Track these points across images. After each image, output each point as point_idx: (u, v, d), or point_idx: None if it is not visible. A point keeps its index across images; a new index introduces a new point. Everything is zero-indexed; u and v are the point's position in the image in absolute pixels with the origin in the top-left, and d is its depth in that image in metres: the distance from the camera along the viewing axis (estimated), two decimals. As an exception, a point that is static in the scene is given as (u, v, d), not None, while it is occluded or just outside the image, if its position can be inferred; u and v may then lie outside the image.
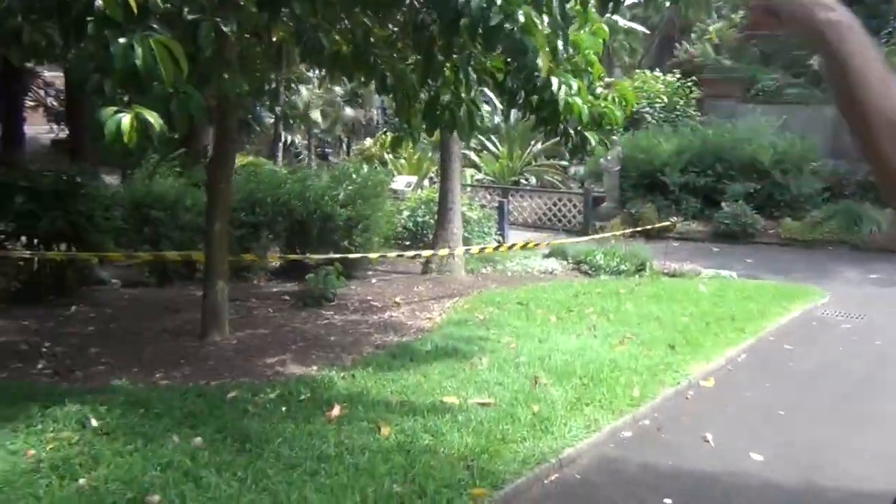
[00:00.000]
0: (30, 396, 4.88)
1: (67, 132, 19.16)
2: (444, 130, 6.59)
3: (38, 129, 23.98)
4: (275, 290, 9.39)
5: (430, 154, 20.92)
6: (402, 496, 3.59)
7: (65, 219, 8.05)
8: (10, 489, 3.55)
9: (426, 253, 10.18)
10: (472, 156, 21.00)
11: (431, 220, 11.79)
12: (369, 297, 8.92)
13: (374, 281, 10.17)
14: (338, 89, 26.84)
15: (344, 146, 31.95)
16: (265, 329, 7.27)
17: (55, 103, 22.83)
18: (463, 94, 6.04)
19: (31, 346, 6.42)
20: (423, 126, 6.41)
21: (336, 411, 4.76)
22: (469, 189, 17.41)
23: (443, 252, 10.19)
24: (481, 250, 10.34)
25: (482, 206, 14.26)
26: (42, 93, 23.09)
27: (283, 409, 4.82)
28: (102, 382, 5.36)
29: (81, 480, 3.66)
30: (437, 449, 4.19)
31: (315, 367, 5.91)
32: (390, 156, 22.05)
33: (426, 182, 19.52)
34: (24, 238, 8.37)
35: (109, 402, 4.77)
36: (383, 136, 24.43)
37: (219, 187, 6.72)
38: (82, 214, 8.27)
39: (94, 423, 4.40)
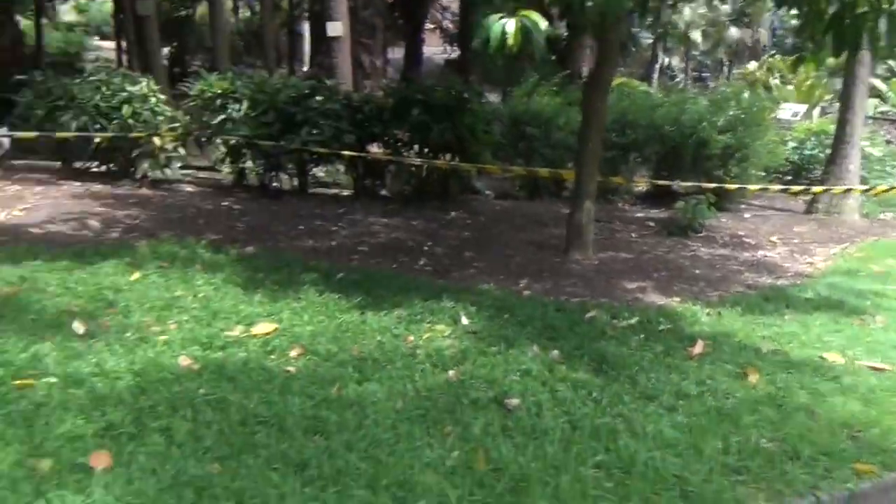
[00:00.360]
0: (412, 288, 5.37)
1: (459, 52, 20.64)
2: (852, 50, 5.63)
3: (434, 49, 26.20)
4: (639, 215, 9.16)
5: (823, 80, 18.54)
6: (770, 453, 3.23)
7: (452, 131, 8.65)
8: (391, 367, 3.93)
9: (816, 189, 9.06)
10: (878, 84, 18.10)
11: (821, 155, 10.46)
12: (741, 233, 8.25)
13: (747, 216, 9.39)
14: (725, 7, 24.90)
15: (724, 70, 29.83)
16: (627, 253, 7.13)
17: (450, 25, 24.67)
18: (884, 6, 5.05)
19: (415, 245, 7.09)
20: (830, 44, 5.54)
21: (698, 348, 4.47)
22: (871, 122, 15.08)
23: (838, 190, 8.98)
24: (886, 191, 8.88)
25: (887, 143, 12.27)
26: (439, 16, 25.08)
27: (642, 336, 4.66)
28: (472, 284, 5.70)
29: (450, 372, 3.92)
30: (815, 410, 3.69)
31: (677, 299, 5.63)
32: (776, 81, 20.02)
33: (816, 112, 17.38)
34: (416, 147, 9.22)
35: (478, 304, 5.06)
36: (770, 60, 22.23)
37: (594, 106, 6.60)
38: (467, 127, 8.81)
39: (464, 321, 4.70)
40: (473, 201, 9.64)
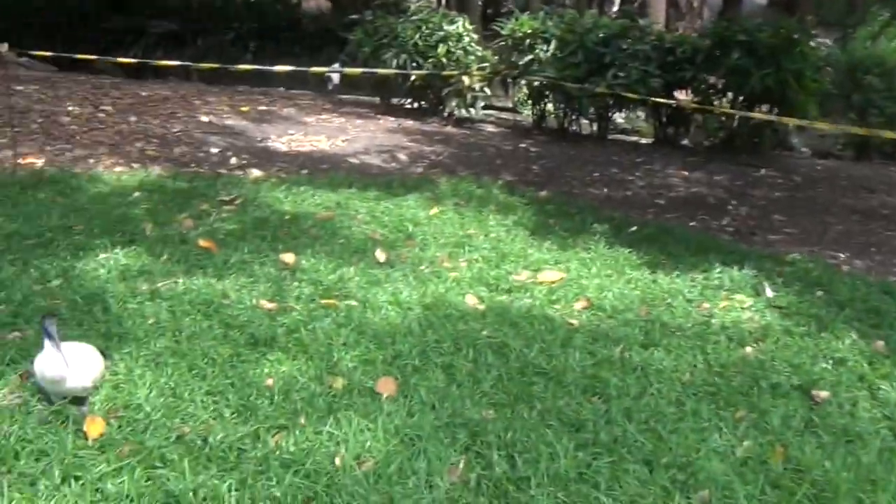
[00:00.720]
0: (711, 250, 4.95)
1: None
2: None
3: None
4: None
5: None
6: None
7: (774, 77, 7.76)
8: (681, 335, 3.64)
9: None
10: None
11: None
12: None
13: None
14: None
15: None
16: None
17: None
18: None
19: (717, 202, 6.56)
20: None
21: None
22: None
23: None
24: None
25: None
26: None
27: None
28: (780, 252, 5.13)
29: (748, 348, 3.54)
30: None
31: None
32: None
33: None
34: (730, 95, 8.46)
35: (786, 275, 4.52)
36: None
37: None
38: (792, 74, 7.85)
39: (768, 293, 4.22)
40: (787, 158, 8.70)
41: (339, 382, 2.89)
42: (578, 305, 3.90)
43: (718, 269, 4.52)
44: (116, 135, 6.83)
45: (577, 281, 4.20)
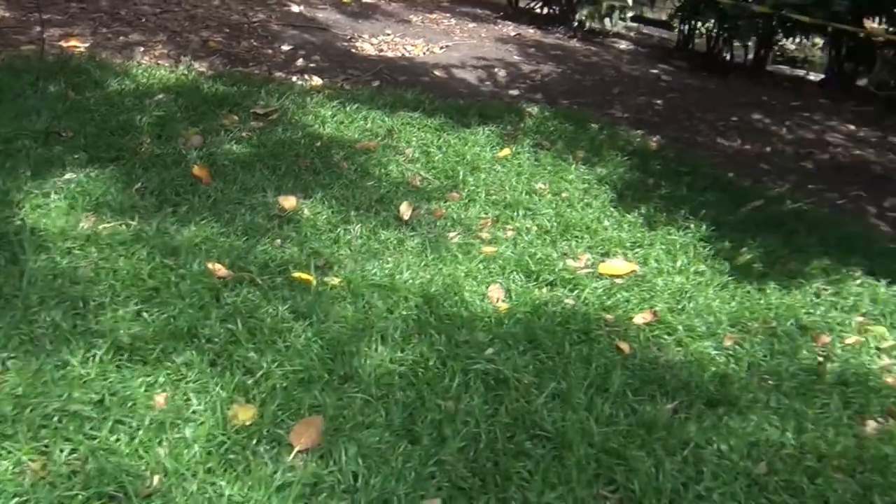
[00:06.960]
0: (857, 247, 3.70)
1: None
2: None
3: None
4: None
5: None
6: None
7: None
8: (772, 389, 2.58)
9: None
10: None
11: None
12: None
13: None
14: None
15: None
16: None
17: None
18: None
19: (885, 173, 5.13)
20: None
21: None
22: None
23: None
24: None
25: None
26: None
27: None
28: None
29: (871, 424, 2.44)
30: None
31: None
32: None
33: None
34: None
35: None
36: None
37: None
38: None
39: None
40: None
41: (247, 414, 2.10)
42: (640, 319, 2.87)
43: (858, 282, 3.32)
44: (187, 20, 6.14)
45: (650, 279, 3.15)
